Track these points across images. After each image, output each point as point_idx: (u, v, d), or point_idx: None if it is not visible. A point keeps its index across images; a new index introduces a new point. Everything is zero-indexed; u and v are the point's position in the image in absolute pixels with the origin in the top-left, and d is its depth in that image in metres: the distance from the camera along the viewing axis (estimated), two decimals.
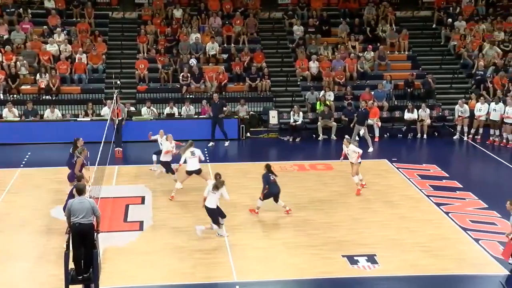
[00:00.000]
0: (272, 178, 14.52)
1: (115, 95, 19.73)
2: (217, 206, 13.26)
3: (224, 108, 21.29)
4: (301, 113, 21.84)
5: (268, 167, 14.69)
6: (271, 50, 25.99)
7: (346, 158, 16.36)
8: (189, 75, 23.49)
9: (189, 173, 15.53)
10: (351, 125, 20.86)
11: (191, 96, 23.20)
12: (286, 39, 26.65)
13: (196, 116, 21.96)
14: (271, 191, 14.44)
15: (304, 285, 11.63)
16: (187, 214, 14.60)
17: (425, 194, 16.16)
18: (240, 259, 12.41)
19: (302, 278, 11.78)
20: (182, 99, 22.75)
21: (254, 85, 23.84)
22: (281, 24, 27.33)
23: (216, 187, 13.15)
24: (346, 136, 16.86)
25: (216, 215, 13.22)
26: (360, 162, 16.03)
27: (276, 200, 14.52)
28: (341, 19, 27.12)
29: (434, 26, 27.90)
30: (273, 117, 22.59)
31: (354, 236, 13.56)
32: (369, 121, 21.10)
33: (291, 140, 21.66)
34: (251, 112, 22.90)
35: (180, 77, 23.58)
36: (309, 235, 13.52)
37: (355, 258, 12.41)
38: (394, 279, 11.78)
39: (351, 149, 16.05)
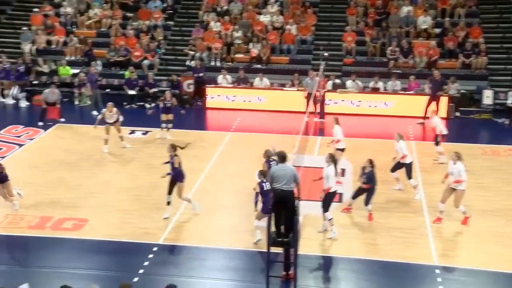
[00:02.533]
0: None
1: (321, 67, 19.87)
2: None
3: (445, 86, 20.32)
4: None
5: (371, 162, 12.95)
6: (491, 25, 24.01)
7: None
8: (397, 49, 22.76)
9: None
10: None
11: (398, 71, 22.51)
12: (510, 12, 24.37)
13: (402, 92, 21.29)
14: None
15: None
16: (387, 191, 14.28)
17: None
18: (441, 242, 11.83)
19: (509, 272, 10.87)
20: (388, 73, 22.19)
21: (468, 61, 22.32)
22: None
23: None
24: None
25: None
26: None
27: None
28: None
29: None
30: (487, 97, 21.01)
31: None
32: None
33: (507, 122, 19.94)
34: (461, 91, 21.53)
35: (388, 51, 22.96)
36: None
37: None
38: None
39: None
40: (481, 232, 12.33)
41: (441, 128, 16.14)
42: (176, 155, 12.80)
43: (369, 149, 16.58)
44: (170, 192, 12.88)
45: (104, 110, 17.22)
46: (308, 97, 19.21)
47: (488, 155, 16.65)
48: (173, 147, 12.89)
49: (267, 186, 11.42)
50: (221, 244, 11.99)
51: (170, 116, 18.08)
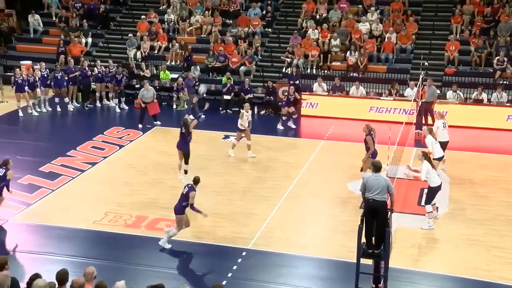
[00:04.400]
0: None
1: (421, 77, 19.27)
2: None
3: None
4: None
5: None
6: None
7: None
8: (505, 59, 21.65)
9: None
10: None
11: (505, 82, 21.40)
12: None
13: (508, 104, 20.20)
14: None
15: None
16: (486, 207, 13.59)
17: None
18: None
19: None
20: (494, 84, 21.14)
21: None
22: None
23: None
24: None
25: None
26: None
27: None
28: None
29: None
30: None
31: None
32: None
33: None
34: None
35: (495, 61, 21.89)
36: None
37: None
38: None
39: None
40: None
41: None
42: None
43: (471, 163, 15.94)
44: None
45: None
46: (422, 105, 18.76)
47: None
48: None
49: None
50: (310, 252, 11.88)
51: (291, 109, 19.92)
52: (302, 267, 11.53)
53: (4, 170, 12.88)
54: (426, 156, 12.95)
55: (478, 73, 22.23)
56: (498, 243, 12.09)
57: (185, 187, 12.09)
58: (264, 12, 26.10)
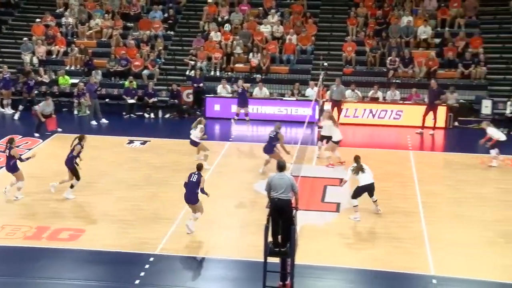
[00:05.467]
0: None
1: (320, 77, 19.89)
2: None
3: (442, 96, 20.35)
4: None
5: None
6: (491, 35, 24.04)
7: None
8: (397, 59, 22.80)
9: None
10: None
11: (397, 80, 22.54)
12: (510, 22, 24.40)
13: (401, 102, 21.31)
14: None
15: None
16: (385, 201, 14.24)
17: None
18: (439, 252, 11.78)
19: (509, 282, 10.80)
20: (388, 83, 22.22)
21: (467, 72, 22.34)
22: (506, 6, 25.00)
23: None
24: None
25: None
26: None
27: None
28: None
29: None
30: (486, 107, 21.01)
31: None
32: None
33: (505, 132, 19.88)
34: (460, 100, 21.53)
35: (388, 61, 23.00)
36: None
37: None
38: None
39: None
40: (477, 241, 12.26)
41: (498, 135, 16.51)
42: None
43: (373, 159, 16.64)
44: None
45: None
46: (334, 104, 19.31)
47: (482, 164, 16.62)
48: None
49: None
50: (219, 254, 11.95)
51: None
52: (211, 269, 11.57)
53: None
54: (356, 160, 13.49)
55: (373, 72, 23.28)
56: (397, 234, 12.70)
57: (192, 176, 12.62)
58: (166, 15, 25.92)
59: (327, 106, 18.95)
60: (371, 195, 13.42)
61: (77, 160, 14.45)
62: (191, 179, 12.64)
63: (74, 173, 14.37)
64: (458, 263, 11.43)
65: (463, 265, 11.36)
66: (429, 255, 11.73)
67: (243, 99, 20.46)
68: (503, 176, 15.98)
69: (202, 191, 12.67)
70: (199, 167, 12.85)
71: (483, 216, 13.47)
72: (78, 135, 14.78)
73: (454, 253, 11.82)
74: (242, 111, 20.33)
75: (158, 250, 11.99)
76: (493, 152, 16.48)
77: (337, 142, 16.48)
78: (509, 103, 20.25)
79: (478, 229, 12.76)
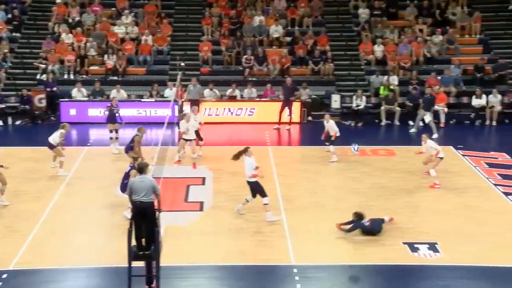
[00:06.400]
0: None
1: (178, 77, 19.96)
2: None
3: (296, 92, 21.27)
4: (364, 98, 21.61)
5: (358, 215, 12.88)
6: (336, 33, 25.60)
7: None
8: (252, 57, 23.49)
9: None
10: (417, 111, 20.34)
11: (253, 78, 23.23)
12: (351, 22, 26.17)
13: (258, 99, 22.02)
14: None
15: (363, 271, 11.48)
16: (245, 195, 14.64)
17: (492, 183, 15.60)
18: (298, 242, 12.37)
19: (361, 264, 11.63)
20: (244, 81, 22.83)
21: (317, 68, 23.61)
22: (347, 7, 26.82)
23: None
24: (423, 135, 15.92)
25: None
26: (442, 158, 15.33)
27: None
28: (409, 1, 26.35)
29: (510, 8, 26.61)
30: (335, 101, 22.34)
31: (415, 223, 13.26)
32: (436, 107, 20.56)
33: (353, 124, 21.35)
34: (312, 96, 22.71)
35: (243, 60, 23.62)
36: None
37: (416, 245, 12.14)
38: (456, 268, 11.44)
39: (429, 145, 15.47)
40: (332, 228, 13.03)
41: (336, 129, 17.06)
42: None
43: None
44: None
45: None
46: (192, 104, 19.33)
47: (338, 155, 17.66)
48: None
49: None
50: (81, 263, 11.58)
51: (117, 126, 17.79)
52: (73, 280, 11.16)
53: None
54: (246, 152, 13.51)
55: (230, 71, 23.80)
56: (260, 228, 13.11)
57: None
58: (10, 16, 24.49)
59: (186, 106, 19.05)
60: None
61: None
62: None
63: None
64: (316, 251, 12.07)
65: (320, 252, 12.03)
66: (289, 245, 12.25)
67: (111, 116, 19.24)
68: (350, 166, 17.02)
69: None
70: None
71: (337, 204, 14.33)
72: None
73: (311, 241, 12.44)
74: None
75: (12, 265, 11.34)
76: (331, 148, 17.19)
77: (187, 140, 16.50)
78: (354, 97, 21.70)
79: (333, 216, 13.56)
